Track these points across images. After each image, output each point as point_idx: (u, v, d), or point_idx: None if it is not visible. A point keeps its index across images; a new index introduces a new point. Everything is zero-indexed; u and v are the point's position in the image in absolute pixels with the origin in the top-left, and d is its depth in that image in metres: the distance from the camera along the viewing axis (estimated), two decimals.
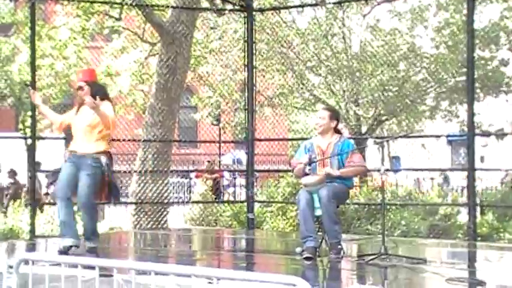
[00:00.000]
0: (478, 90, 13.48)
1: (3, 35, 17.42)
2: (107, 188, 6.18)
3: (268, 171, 12.86)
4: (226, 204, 11.83)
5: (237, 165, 19.32)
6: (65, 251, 5.91)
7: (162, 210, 9.85)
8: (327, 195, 5.73)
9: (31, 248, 7.30)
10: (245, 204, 9.58)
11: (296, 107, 15.37)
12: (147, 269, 3.60)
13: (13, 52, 15.58)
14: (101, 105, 5.92)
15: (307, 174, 5.97)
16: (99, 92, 6.13)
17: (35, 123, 8.66)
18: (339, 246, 5.83)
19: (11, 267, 4.08)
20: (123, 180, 11.57)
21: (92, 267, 4.09)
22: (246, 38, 9.60)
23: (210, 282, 4.03)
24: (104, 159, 6.08)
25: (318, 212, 5.84)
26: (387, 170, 5.84)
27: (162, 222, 9.78)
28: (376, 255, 5.52)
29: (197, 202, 12.21)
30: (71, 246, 5.98)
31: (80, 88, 6.13)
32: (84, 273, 4.07)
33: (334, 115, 6.16)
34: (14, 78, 15.57)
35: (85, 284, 4.21)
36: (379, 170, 5.91)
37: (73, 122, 6.20)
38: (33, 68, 8.50)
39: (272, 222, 10.50)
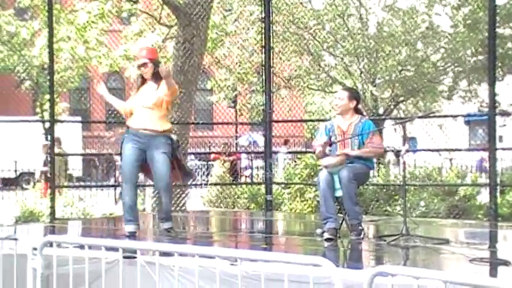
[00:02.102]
0: (497, 69, 13.31)
1: (20, 18, 17.48)
2: (180, 168, 6.01)
3: (287, 152, 12.84)
4: (244, 186, 11.83)
5: (253, 147, 19.32)
6: (129, 237, 5.80)
7: (181, 192, 9.86)
8: (348, 176, 5.69)
9: (52, 230, 7.35)
10: (263, 186, 9.57)
11: (312, 89, 15.30)
12: (172, 250, 3.61)
13: (32, 36, 15.61)
14: (162, 83, 5.83)
15: (327, 155, 5.93)
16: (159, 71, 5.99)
17: (53, 107, 8.68)
18: (360, 227, 5.80)
19: (35, 249, 4.11)
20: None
21: (115, 249, 4.12)
22: (263, 19, 9.53)
23: (232, 264, 4.04)
24: (174, 137, 5.99)
25: (339, 193, 5.81)
26: (408, 150, 5.76)
27: (181, 204, 9.80)
28: (397, 236, 5.49)
29: (215, 184, 12.22)
30: (135, 232, 5.87)
31: (144, 65, 5.96)
32: (107, 255, 4.09)
33: (353, 95, 6.10)
34: (32, 62, 15.62)
35: (108, 266, 4.23)
36: (399, 151, 5.85)
37: (135, 101, 5.99)
38: (51, 52, 8.50)
39: (290, 204, 10.49)
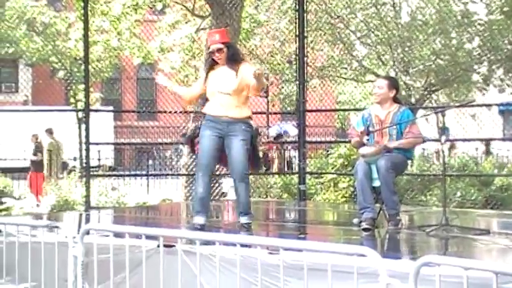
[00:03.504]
0: None
1: (53, 9, 17.63)
2: (254, 157, 5.67)
3: (320, 142, 12.77)
4: (276, 176, 11.79)
5: (284, 137, 19.25)
6: (198, 229, 5.34)
7: (214, 181, 9.87)
8: (386, 166, 5.62)
9: (88, 219, 7.40)
10: (295, 175, 9.52)
11: (345, 78, 15.18)
12: (212, 239, 3.59)
13: (68, 28, 15.75)
14: (244, 66, 5.55)
15: (364, 145, 5.87)
16: (237, 53, 5.70)
17: (88, 96, 8.75)
18: (398, 217, 5.73)
19: (75, 237, 4.14)
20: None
21: (154, 238, 4.13)
22: (296, 8, 9.46)
23: (270, 253, 4.01)
24: (254, 124, 5.63)
25: (376, 183, 5.73)
26: (448, 140, 5.66)
27: (214, 193, 9.81)
28: (437, 226, 5.40)
29: (249, 174, 12.18)
30: (204, 225, 5.48)
31: (219, 50, 5.56)
32: (147, 244, 4.09)
33: (393, 84, 6.01)
34: (65, 52, 15.77)
35: (147, 254, 4.24)
36: (439, 140, 5.75)
37: (211, 86, 5.60)
38: (86, 44, 8.55)
39: (323, 194, 10.44)
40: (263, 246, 3.41)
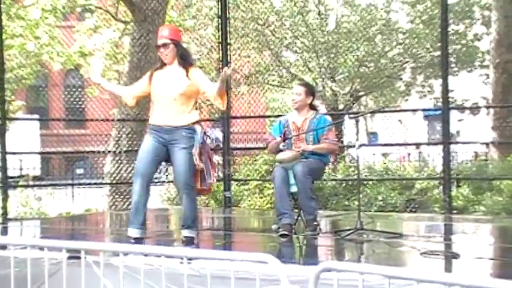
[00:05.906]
0: (453, 65, 13.56)
1: None
2: (205, 169, 5.16)
3: (244, 149, 12.77)
4: None
5: (215, 144, 19.18)
6: (135, 243, 5.02)
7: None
8: (302, 171, 5.68)
9: (3, 231, 7.16)
10: (222, 182, 9.49)
11: (272, 85, 15.29)
12: (116, 250, 3.52)
13: None
14: (196, 71, 5.21)
15: (281, 151, 5.91)
16: (186, 55, 5.25)
17: (4, 104, 8.45)
18: (315, 223, 5.79)
19: None
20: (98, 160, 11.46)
21: (60, 250, 4.00)
22: (219, 15, 9.46)
23: (181, 262, 3.97)
24: (199, 128, 5.16)
25: (294, 189, 5.78)
26: (362, 145, 5.77)
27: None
28: (352, 231, 5.49)
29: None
30: (138, 238, 5.11)
31: (164, 46, 5.15)
32: (51, 255, 3.97)
33: (310, 91, 6.09)
34: None
35: (56, 267, 4.12)
36: (353, 146, 5.85)
37: (156, 90, 5.18)
38: (1, 48, 8.26)
39: (249, 200, 10.44)
40: (167, 256, 3.36)
